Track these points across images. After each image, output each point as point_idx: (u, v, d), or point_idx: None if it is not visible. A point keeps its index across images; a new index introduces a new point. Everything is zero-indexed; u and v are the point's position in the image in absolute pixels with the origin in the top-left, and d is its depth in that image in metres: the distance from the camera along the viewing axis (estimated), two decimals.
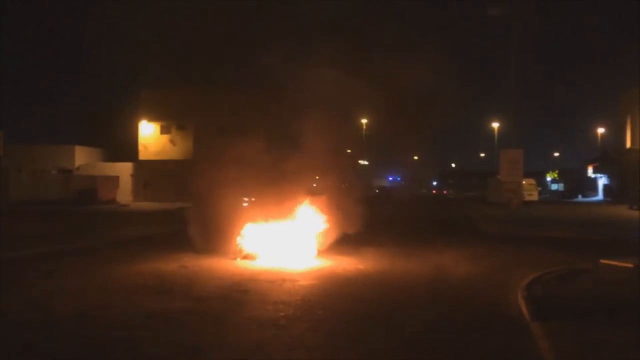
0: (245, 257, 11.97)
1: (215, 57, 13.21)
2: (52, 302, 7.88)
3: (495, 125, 71.23)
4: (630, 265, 9.98)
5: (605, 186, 55.99)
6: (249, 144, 13.19)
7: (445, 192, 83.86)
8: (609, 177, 55.24)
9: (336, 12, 13.65)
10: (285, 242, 12.38)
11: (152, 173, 45.65)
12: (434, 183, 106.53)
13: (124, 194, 43.99)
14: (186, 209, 15.19)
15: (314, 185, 15.15)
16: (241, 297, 8.14)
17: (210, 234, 13.07)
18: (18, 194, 33.80)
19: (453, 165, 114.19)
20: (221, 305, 7.59)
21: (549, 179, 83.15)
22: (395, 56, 14.05)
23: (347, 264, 11.51)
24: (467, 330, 6.54)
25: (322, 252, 12.41)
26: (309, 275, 10.12)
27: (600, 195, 56.50)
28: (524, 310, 7.20)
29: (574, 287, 8.55)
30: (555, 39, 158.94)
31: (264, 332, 6.30)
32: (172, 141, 45.19)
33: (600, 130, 67.09)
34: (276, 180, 13.22)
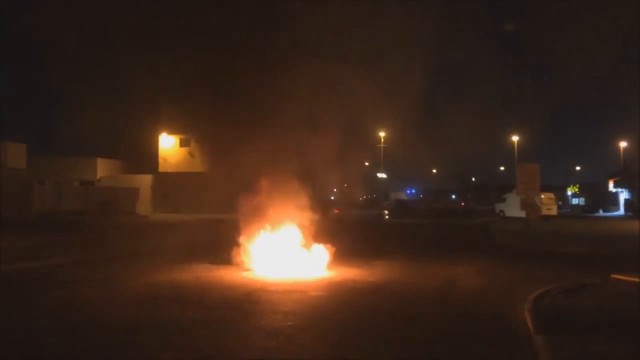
0: (258, 268, 12.17)
1: (235, 71, 13.46)
2: (68, 310, 8.18)
3: (515, 138, 70.95)
4: (638, 280, 9.97)
5: (626, 201, 55.26)
6: (265, 157, 13.40)
7: (462, 203, 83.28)
8: (631, 191, 54.54)
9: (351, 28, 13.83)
10: (296, 254, 12.58)
11: (171, 185, 46.32)
12: (453, 197, 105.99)
13: (144, 206, 44.66)
14: (204, 220, 15.50)
15: (332, 197, 15.37)
16: (252, 307, 8.35)
17: (223, 245, 13.35)
18: (41, 205, 34.53)
19: (473, 179, 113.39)
20: (232, 315, 7.80)
21: (569, 193, 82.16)
22: (413, 67, 14.20)
23: (357, 276, 11.66)
24: (469, 342, 6.65)
25: (332, 265, 12.55)
26: (319, 287, 10.28)
27: (621, 210, 55.73)
28: (529, 323, 7.29)
29: (580, 302, 8.60)
30: (576, 51, 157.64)
31: (271, 340, 6.49)
32: (191, 153, 45.82)
33: (623, 144, 66.38)
34: (291, 193, 13.40)
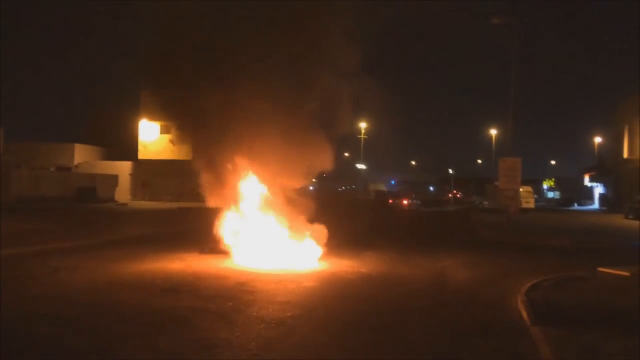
0: (247, 258, 12.13)
1: (219, 59, 13.34)
2: (64, 297, 8.07)
3: (493, 132, 71.82)
4: (627, 274, 10.20)
5: (601, 195, 56.39)
6: (245, 143, 13.31)
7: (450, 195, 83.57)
8: (605, 186, 55.65)
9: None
10: (286, 244, 12.57)
11: (151, 173, 45.81)
12: (431, 188, 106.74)
13: (122, 193, 44.12)
14: (186, 209, 15.37)
15: (311, 188, 15.36)
16: (248, 297, 8.33)
17: (212, 234, 13.25)
18: (18, 190, 33.90)
19: (451, 171, 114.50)
20: (229, 305, 7.77)
21: (545, 186, 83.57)
22: (392, 59, 14.22)
23: (348, 267, 11.71)
24: (467, 333, 6.74)
25: (322, 255, 12.55)
26: (312, 277, 10.31)
27: (596, 204, 56.90)
28: (524, 315, 7.42)
29: (572, 294, 8.76)
30: (553, 47, 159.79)
31: (272, 331, 6.49)
32: (172, 141, 45.29)
33: (597, 140, 67.63)
34: (272, 182, 13.38)
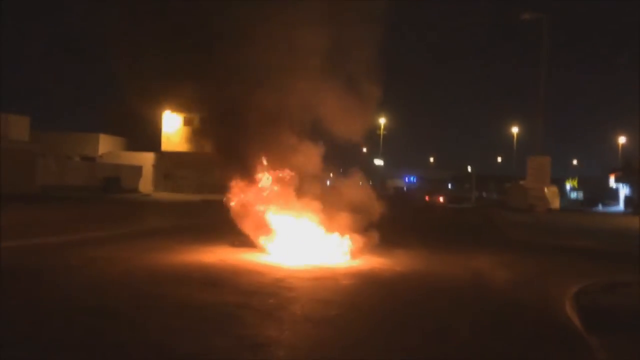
0: (279, 253, 12.04)
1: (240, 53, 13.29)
2: (106, 289, 8.04)
3: (515, 130, 71.01)
4: None
5: (626, 197, 55.35)
6: (265, 138, 13.26)
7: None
8: (631, 187, 54.60)
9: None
10: (317, 239, 12.46)
11: (173, 164, 46.03)
12: (450, 186, 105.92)
13: (145, 184, 44.44)
14: (209, 201, 15.32)
15: (328, 183, 15.23)
16: (288, 294, 8.21)
17: (242, 229, 13.19)
18: (44, 179, 34.26)
19: (469, 169, 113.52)
20: (271, 302, 7.66)
21: (568, 186, 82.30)
22: (414, 56, 14.08)
23: (382, 264, 11.54)
24: (521, 339, 6.55)
25: (353, 252, 12.40)
26: (348, 275, 10.16)
27: (621, 206, 55.86)
28: (576, 321, 7.20)
29: (623, 300, 8.51)
30: (576, 45, 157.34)
31: (321, 330, 6.37)
32: (195, 133, 45.38)
33: (622, 140, 66.53)
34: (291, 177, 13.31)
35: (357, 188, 14.45)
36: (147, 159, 46.64)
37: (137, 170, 43.65)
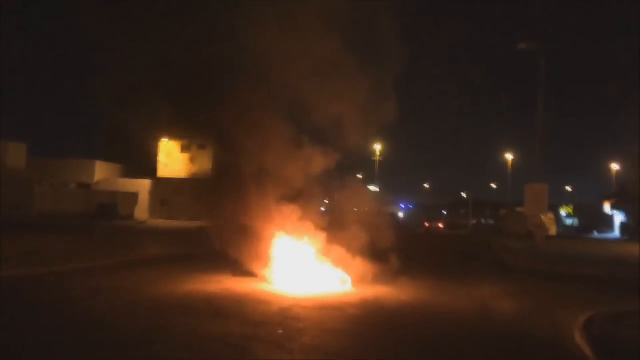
0: (281, 282, 11.95)
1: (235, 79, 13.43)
2: (113, 321, 7.93)
3: (509, 157, 71.46)
4: None
5: (622, 224, 55.48)
6: (263, 165, 13.31)
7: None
8: (627, 214, 54.80)
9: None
10: (317, 268, 12.40)
11: (170, 191, 45.90)
12: (444, 212, 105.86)
13: (141, 211, 44.26)
14: (209, 228, 15.21)
15: (322, 209, 15.23)
16: (296, 325, 8.12)
17: (242, 257, 13.11)
18: (39, 206, 34.10)
19: (464, 195, 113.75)
20: (279, 332, 7.57)
21: (563, 213, 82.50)
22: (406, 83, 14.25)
23: (387, 294, 11.46)
24: None
25: (356, 281, 12.30)
26: (353, 305, 10.06)
27: (616, 233, 55.96)
28: (587, 351, 7.14)
29: (632, 330, 8.45)
30: (567, 73, 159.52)
31: None
32: (192, 160, 45.41)
33: (615, 167, 66.98)
34: (285, 202, 13.30)
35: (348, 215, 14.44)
36: (143, 185, 46.55)
37: (133, 197, 43.55)
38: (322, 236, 12.96)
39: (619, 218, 57.90)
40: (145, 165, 47.85)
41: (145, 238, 24.89)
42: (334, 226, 13.36)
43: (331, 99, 13.11)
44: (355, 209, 15.06)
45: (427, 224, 50.75)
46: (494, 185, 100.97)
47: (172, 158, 47.07)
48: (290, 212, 13.15)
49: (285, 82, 13.01)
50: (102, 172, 48.69)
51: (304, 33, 12.63)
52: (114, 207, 39.63)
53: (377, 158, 76.83)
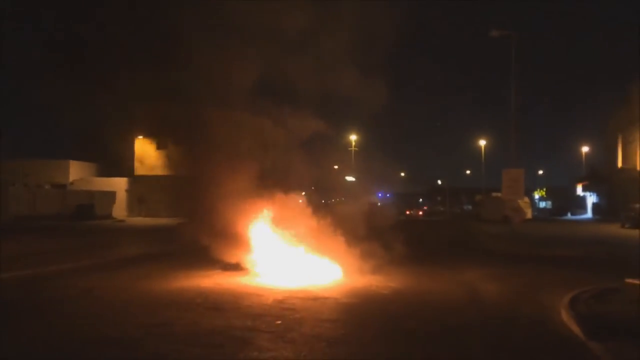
0: (270, 275, 12.08)
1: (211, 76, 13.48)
2: (110, 319, 7.99)
3: (483, 143, 72.45)
4: None
5: (594, 204, 56.92)
6: (239, 159, 13.40)
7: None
8: (598, 195, 56.23)
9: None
10: (303, 259, 12.57)
11: (147, 189, 45.48)
12: (420, 200, 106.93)
13: (119, 210, 43.81)
14: (191, 225, 15.21)
15: (300, 201, 15.40)
16: (294, 316, 8.28)
17: (228, 252, 13.22)
18: (16, 208, 33.52)
19: (439, 182, 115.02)
20: (279, 323, 7.73)
21: (537, 196, 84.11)
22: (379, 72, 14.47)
23: (376, 281, 11.67)
24: (526, 350, 6.76)
25: (345, 270, 12.48)
26: (346, 294, 10.25)
27: (589, 214, 57.40)
28: (575, 329, 7.45)
29: (616, 307, 8.80)
30: (539, 57, 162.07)
31: (337, 349, 6.47)
32: (168, 157, 45.05)
33: (585, 149, 68.51)
34: (261, 195, 13.44)
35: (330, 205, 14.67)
36: (119, 184, 46.06)
37: (111, 196, 43.08)
38: (307, 228, 13.13)
39: (591, 199, 59.36)
40: (121, 164, 47.32)
41: (127, 237, 24.76)
42: (318, 217, 13.51)
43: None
44: (338, 199, 15.31)
45: (408, 212, 51.82)
46: (468, 172, 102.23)
47: (148, 155, 46.65)
48: (273, 204, 13.30)
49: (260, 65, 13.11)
50: (76, 172, 48.01)
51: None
52: (91, 206, 39.14)
53: (353, 148, 77.30)
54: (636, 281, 10.79)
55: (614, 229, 32.57)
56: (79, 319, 8.01)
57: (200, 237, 13.34)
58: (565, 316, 8.19)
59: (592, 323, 7.52)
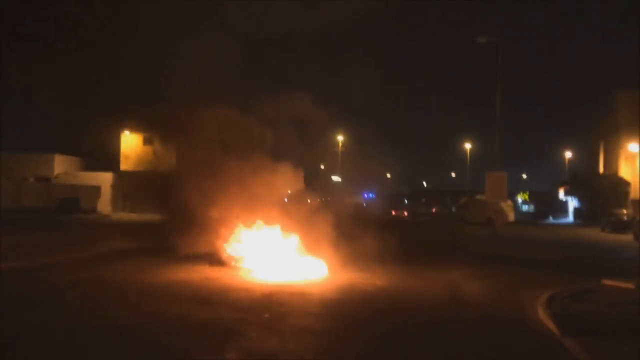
0: (256, 269, 12.30)
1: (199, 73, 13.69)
2: (101, 309, 8.16)
3: (468, 146, 73.24)
4: (631, 286, 10.69)
5: (575, 209, 57.73)
6: (226, 157, 13.62)
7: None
8: (580, 200, 57.04)
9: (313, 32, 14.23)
10: (290, 255, 12.81)
11: (132, 184, 45.31)
12: (405, 201, 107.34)
13: (104, 205, 43.60)
14: (175, 221, 15.36)
15: (285, 200, 15.64)
16: (281, 309, 8.52)
17: (215, 247, 13.44)
18: (1, 202, 33.25)
19: (425, 184, 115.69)
20: (267, 316, 7.97)
21: (520, 200, 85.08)
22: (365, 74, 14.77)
23: (361, 278, 11.94)
24: (504, 346, 7.06)
25: (331, 267, 12.71)
26: (333, 290, 10.49)
27: (570, 218, 58.19)
28: (551, 326, 7.78)
29: (590, 306, 9.16)
30: (523, 63, 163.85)
31: (323, 341, 6.73)
32: (155, 152, 44.94)
33: (568, 155, 69.51)
34: (251, 195, 13.67)
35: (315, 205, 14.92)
36: (105, 179, 45.80)
37: (96, 190, 42.88)
38: (294, 224, 13.38)
39: (572, 204, 60.19)
40: (107, 158, 47.10)
41: (113, 231, 24.69)
42: (305, 215, 13.75)
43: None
44: (324, 199, 15.56)
45: (393, 212, 52.58)
46: (453, 174, 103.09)
47: (134, 151, 46.51)
48: (260, 201, 13.54)
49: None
50: (61, 166, 47.66)
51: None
52: (76, 200, 38.95)
53: (339, 149, 77.65)
54: (612, 282, 11.22)
55: (594, 233, 33.22)
56: (67, 309, 8.17)
57: (186, 232, 13.54)
58: (542, 314, 8.52)
59: (566, 321, 7.85)
